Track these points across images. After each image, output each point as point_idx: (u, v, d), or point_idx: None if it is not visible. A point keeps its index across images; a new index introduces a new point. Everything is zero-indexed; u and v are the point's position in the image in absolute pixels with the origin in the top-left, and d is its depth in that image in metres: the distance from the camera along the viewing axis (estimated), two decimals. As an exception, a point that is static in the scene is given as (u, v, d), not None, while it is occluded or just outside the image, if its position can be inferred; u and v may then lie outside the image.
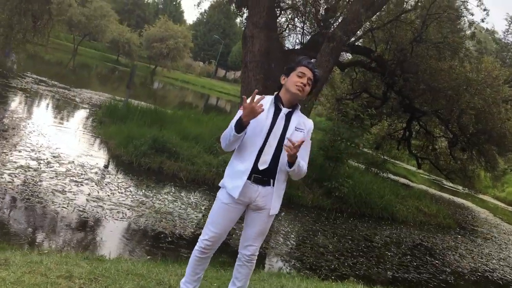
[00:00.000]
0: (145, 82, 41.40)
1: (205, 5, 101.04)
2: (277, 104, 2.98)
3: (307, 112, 12.34)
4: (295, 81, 2.93)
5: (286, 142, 2.81)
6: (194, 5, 71.33)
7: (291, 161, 2.85)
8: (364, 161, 17.24)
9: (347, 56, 18.53)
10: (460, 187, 20.01)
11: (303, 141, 2.80)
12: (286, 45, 19.35)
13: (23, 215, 5.59)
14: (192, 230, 6.66)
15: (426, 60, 13.60)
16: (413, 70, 13.61)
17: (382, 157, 17.74)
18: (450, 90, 12.88)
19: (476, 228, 14.52)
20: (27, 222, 5.44)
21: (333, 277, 6.33)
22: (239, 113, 2.85)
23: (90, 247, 5.19)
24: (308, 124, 3.06)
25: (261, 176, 2.92)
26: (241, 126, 2.79)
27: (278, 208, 3.05)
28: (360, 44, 17.48)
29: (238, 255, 3.21)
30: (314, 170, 11.14)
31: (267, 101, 2.98)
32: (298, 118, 3.01)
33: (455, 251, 10.27)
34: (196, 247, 3.17)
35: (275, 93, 3.05)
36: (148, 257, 5.31)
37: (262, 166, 2.89)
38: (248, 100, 2.72)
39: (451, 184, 22.97)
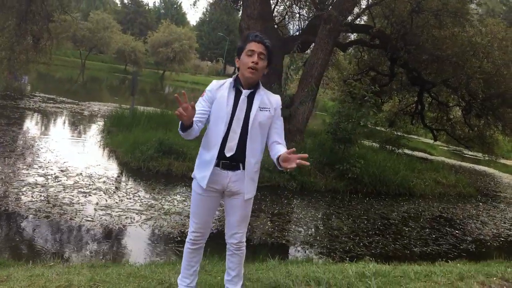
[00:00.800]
0: (155, 88, 41.65)
1: (202, 4, 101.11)
2: (238, 87, 2.89)
3: (312, 99, 12.27)
4: (246, 62, 2.81)
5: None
6: (190, 4, 71.55)
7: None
8: (378, 140, 17.08)
9: (349, 36, 18.34)
10: (481, 155, 19.70)
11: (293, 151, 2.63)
12: (289, 33, 19.25)
13: (30, 231, 5.65)
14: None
15: (428, 30, 13.35)
16: (415, 42, 13.37)
17: (395, 133, 17.54)
18: (454, 57, 12.61)
19: (498, 194, 14.24)
20: (33, 238, 5.50)
21: (347, 259, 6.27)
22: (199, 100, 2.89)
23: (98, 255, 5.22)
24: (274, 100, 2.95)
25: (229, 162, 2.86)
26: (183, 126, 2.70)
27: (253, 191, 2.99)
28: (364, 22, 17.29)
29: (227, 245, 3.16)
30: (324, 154, 11.06)
31: (226, 86, 2.90)
32: (261, 97, 2.90)
33: (477, 219, 10.08)
34: (187, 240, 3.14)
35: (235, 75, 2.97)
36: (157, 258, 5.32)
37: (228, 153, 2.83)
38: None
39: (472, 153, 22.60)
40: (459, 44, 13.15)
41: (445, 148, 26.05)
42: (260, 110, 2.86)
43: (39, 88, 23.20)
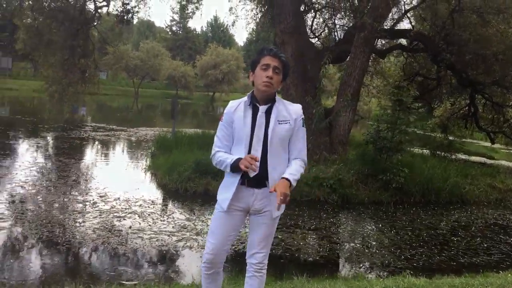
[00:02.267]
0: (207, 111, 42.44)
1: (241, 24, 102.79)
2: (254, 104, 2.79)
3: (352, 109, 11.96)
4: (260, 76, 2.72)
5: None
6: (229, 25, 73.24)
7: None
8: (429, 147, 16.43)
9: (394, 42, 17.84)
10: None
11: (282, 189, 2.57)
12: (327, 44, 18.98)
13: (59, 259, 5.76)
14: (233, 246, 6.53)
15: (471, 29, 12.76)
16: (458, 42, 12.80)
17: (448, 138, 16.76)
18: (501, 54, 11.95)
19: None
20: (62, 265, 5.61)
21: (385, 273, 5.95)
22: (220, 126, 2.82)
23: (124, 280, 5.21)
24: (293, 111, 2.81)
25: (254, 179, 2.75)
26: (236, 169, 2.70)
27: (281, 209, 2.84)
28: (407, 27, 16.80)
29: (247, 267, 2.96)
30: (366, 164, 10.69)
31: (241, 106, 2.81)
32: (279, 110, 2.77)
33: (536, 225, 9.35)
34: (202, 263, 2.96)
35: (250, 92, 2.86)
36: (183, 280, 5.26)
37: (252, 173, 2.70)
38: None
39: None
40: (507, 41, 12.47)
41: (508, 151, 24.58)
42: (279, 123, 2.76)
43: (94, 118, 24.25)
